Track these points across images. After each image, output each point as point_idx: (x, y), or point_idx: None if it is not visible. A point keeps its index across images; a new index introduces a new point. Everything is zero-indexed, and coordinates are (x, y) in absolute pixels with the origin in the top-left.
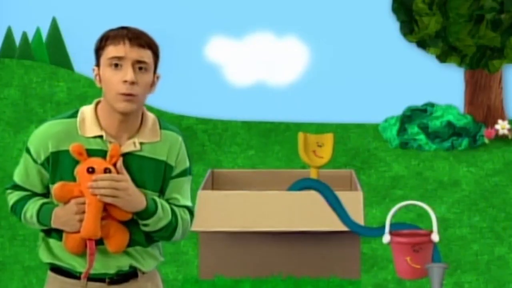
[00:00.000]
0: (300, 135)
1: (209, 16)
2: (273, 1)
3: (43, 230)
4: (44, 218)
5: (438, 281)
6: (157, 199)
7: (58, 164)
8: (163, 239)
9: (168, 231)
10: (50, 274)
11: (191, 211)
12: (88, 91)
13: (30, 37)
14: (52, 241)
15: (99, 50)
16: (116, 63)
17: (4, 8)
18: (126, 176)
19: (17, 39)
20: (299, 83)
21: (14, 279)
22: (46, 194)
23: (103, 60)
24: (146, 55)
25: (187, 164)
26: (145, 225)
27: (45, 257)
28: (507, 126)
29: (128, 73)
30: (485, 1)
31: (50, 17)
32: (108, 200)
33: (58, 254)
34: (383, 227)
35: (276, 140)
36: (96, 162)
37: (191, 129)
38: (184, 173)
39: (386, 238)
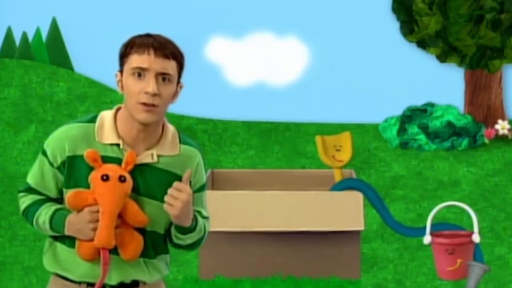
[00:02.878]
0: (318, 139)
1: (209, 16)
2: (273, 1)
3: (51, 236)
4: (57, 225)
5: (475, 280)
6: (197, 214)
7: (74, 169)
8: (189, 250)
9: (197, 244)
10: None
11: (208, 221)
12: (88, 91)
13: (30, 37)
14: (60, 247)
15: (123, 57)
16: (139, 73)
17: (4, 8)
18: (189, 189)
19: (17, 39)
20: (299, 83)
21: (14, 279)
22: (59, 199)
23: (126, 68)
24: (170, 66)
25: (204, 179)
26: (181, 239)
27: (50, 266)
28: (507, 126)
29: (150, 85)
30: (485, 1)
31: (50, 17)
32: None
33: (63, 261)
34: (425, 227)
35: (276, 140)
36: (111, 169)
37: (191, 129)
38: (202, 189)
39: (427, 239)
